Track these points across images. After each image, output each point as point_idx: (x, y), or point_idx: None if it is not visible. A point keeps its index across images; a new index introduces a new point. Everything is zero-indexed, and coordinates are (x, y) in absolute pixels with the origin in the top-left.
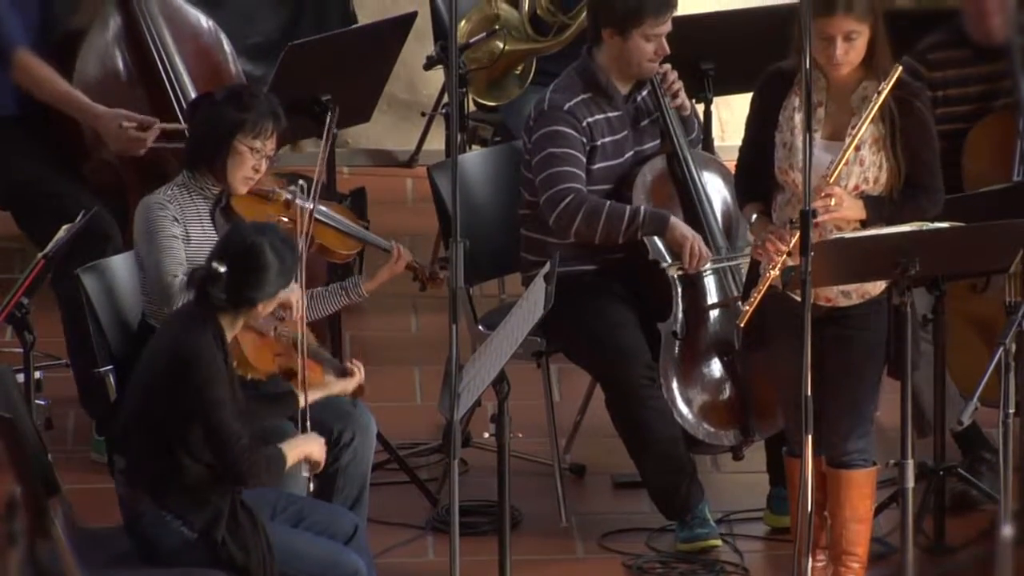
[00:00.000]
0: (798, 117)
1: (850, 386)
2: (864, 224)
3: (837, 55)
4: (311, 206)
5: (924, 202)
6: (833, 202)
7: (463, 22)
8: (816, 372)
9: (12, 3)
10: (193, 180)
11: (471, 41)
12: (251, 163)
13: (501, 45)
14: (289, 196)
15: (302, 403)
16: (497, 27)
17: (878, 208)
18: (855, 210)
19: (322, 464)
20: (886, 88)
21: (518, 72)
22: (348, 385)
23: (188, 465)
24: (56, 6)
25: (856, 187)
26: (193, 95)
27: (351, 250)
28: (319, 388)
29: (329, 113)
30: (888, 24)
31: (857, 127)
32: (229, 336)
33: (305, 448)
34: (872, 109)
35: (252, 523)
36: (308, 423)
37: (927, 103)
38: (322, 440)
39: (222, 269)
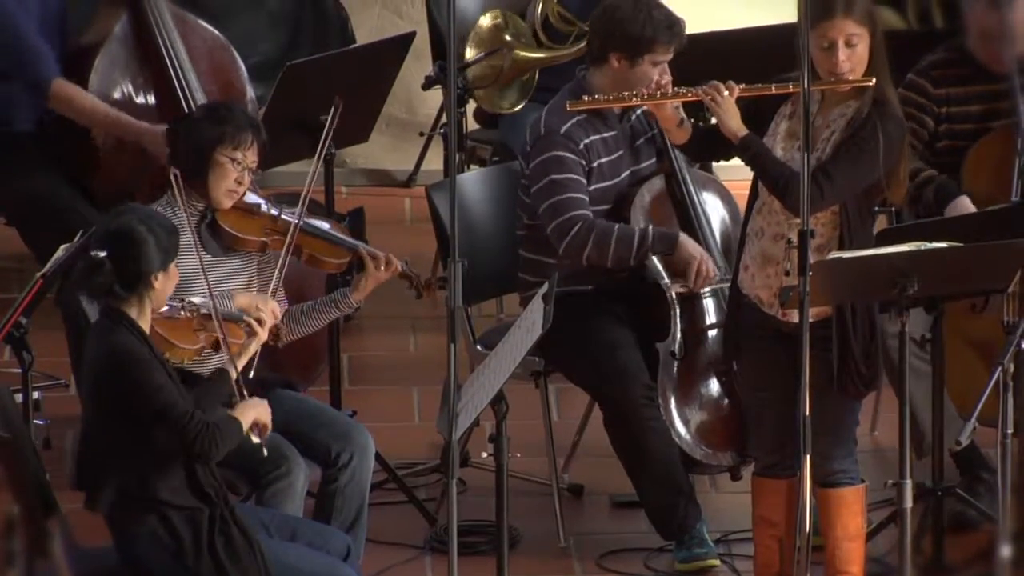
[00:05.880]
0: (783, 125)
1: (826, 406)
2: (735, 148)
3: (840, 61)
4: (298, 220)
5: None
6: (726, 94)
7: (470, 48)
8: (790, 392)
9: (40, 32)
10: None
11: (471, 61)
12: (233, 175)
13: (503, 64)
14: (276, 211)
15: (234, 373)
16: (500, 47)
17: (758, 148)
18: (735, 120)
19: (269, 427)
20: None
21: (524, 79)
22: (263, 334)
23: (162, 479)
24: (69, 23)
25: None
26: None
27: (342, 259)
28: (244, 350)
29: (330, 116)
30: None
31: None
32: (144, 327)
33: (252, 411)
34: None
35: (245, 539)
36: (244, 390)
37: (892, 133)
38: (265, 402)
39: (102, 254)
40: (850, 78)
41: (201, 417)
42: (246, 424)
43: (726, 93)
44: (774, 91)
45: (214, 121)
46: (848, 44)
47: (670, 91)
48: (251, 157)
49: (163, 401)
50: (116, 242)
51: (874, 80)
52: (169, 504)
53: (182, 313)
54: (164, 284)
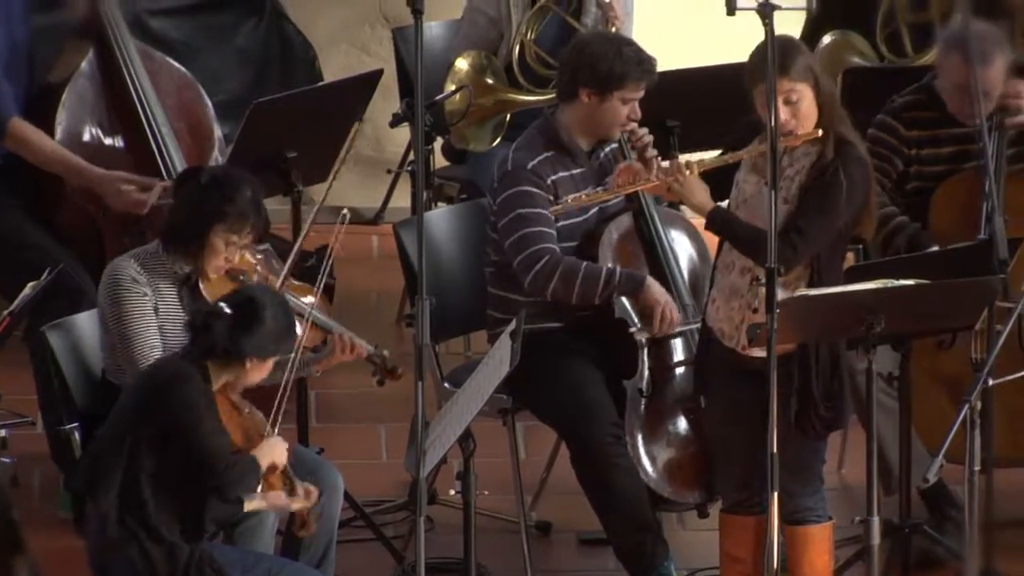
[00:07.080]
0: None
1: (793, 444)
2: (706, 224)
3: (783, 120)
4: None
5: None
6: (687, 173)
7: (449, 82)
8: (757, 429)
9: (6, 72)
10: (166, 254)
11: (436, 99)
12: (224, 255)
13: (486, 101)
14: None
15: (248, 507)
16: (467, 84)
17: (725, 218)
18: (699, 196)
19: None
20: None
21: (497, 120)
22: (293, 505)
23: (160, 507)
24: (36, 61)
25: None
26: (173, 146)
27: (313, 340)
28: (272, 497)
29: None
30: (849, 81)
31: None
32: (214, 385)
33: (269, 454)
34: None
35: None
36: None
37: (855, 174)
38: (283, 443)
39: (228, 311)
40: (799, 133)
41: (232, 462)
42: (264, 463)
43: (687, 172)
44: (730, 161)
45: (220, 197)
46: (787, 102)
47: (639, 181)
48: (245, 240)
49: (213, 444)
50: (238, 308)
51: (821, 132)
52: (155, 536)
53: (246, 411)
54: (253, 371)
